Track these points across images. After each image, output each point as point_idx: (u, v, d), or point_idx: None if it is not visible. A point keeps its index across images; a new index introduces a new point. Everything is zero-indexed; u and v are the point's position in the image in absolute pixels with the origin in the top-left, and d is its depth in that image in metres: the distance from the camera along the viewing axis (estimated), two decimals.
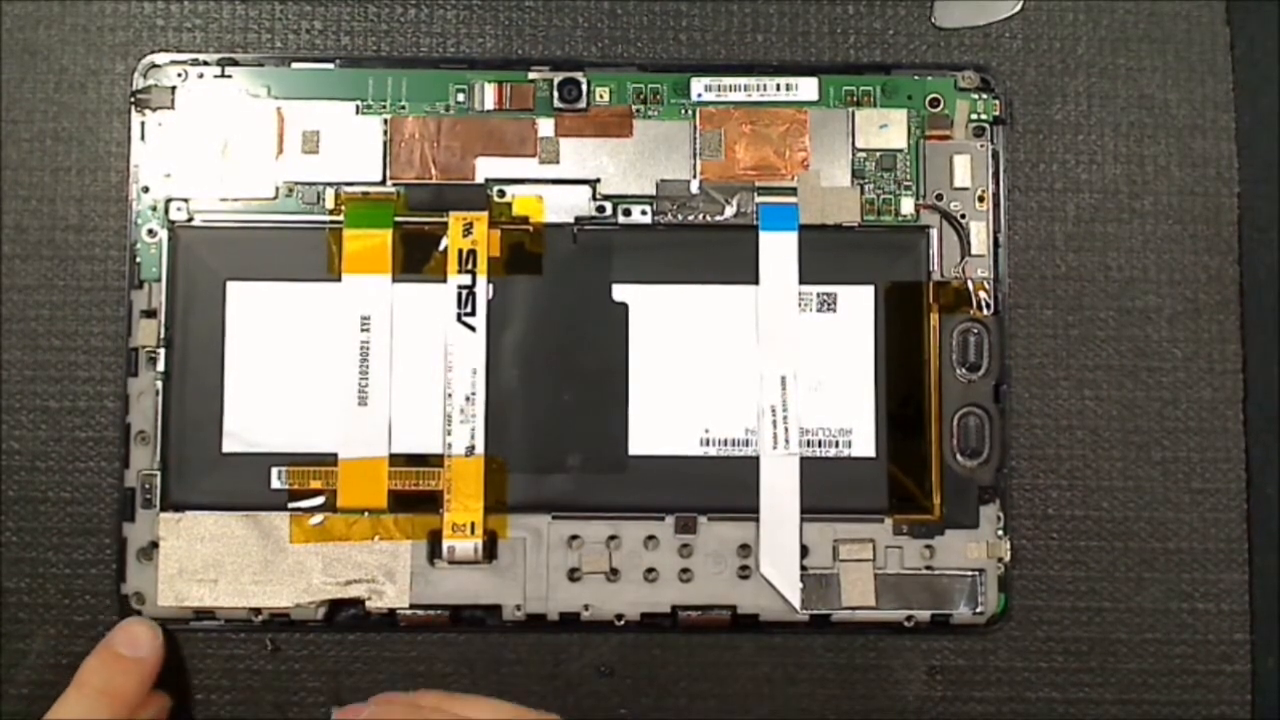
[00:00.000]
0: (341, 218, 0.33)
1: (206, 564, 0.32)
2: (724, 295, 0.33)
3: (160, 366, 0.32)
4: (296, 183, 0.33)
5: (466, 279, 0.32)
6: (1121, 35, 0.34)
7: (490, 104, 0.33)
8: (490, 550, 0.32)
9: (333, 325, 0.32)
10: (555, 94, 0.33)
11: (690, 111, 0.33)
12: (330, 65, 0.33)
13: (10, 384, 0.32)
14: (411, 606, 0.32)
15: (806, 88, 0.33)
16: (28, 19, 0.33)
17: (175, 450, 0.32)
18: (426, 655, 0.32)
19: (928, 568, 0.32)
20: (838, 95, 0.33)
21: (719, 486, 0.32)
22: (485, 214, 0.33)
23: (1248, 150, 0.34)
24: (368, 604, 0.32)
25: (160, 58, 0.33)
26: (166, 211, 0.33)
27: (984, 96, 0.33)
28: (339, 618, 0.32)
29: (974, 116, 0.33)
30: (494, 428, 0.32)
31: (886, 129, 0.33)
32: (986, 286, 0.33)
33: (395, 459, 0.32)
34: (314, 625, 0.32)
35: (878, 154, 0.33)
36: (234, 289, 0.32)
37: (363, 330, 0.32)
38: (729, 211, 0.33)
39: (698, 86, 0.33)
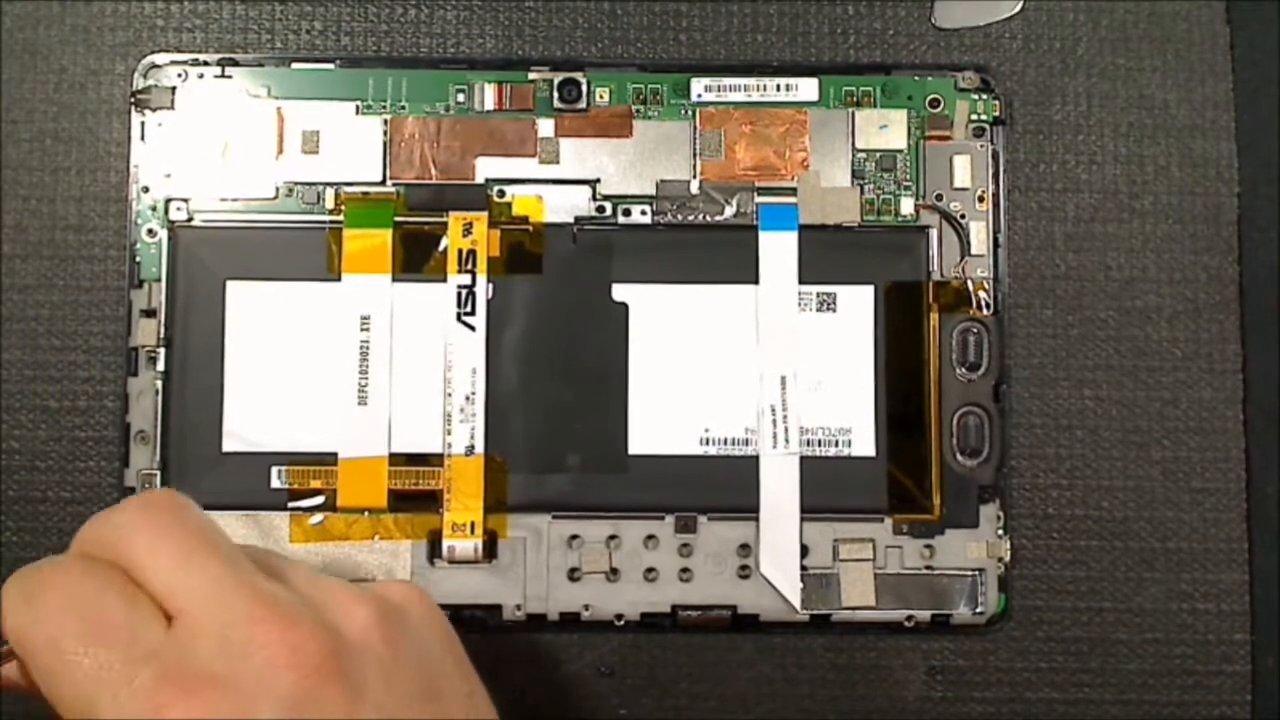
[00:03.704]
0: (341, 218, 0.33)
1: None
2: (724, 295, 0.33)
3: (160, 366, 0.32)
4: (296, 183, 0.33)
5: (466, 279, 0.32)
6: (1121, 35, 0.34)
7: (490, 104, 0.33)
8: (490, 550, 0.32)
9: (333, 325, 0.32)
10: (555, 94, 0.33)
11: (690, 112, 0.33)
12: (330, 65, 0.33)
13: (10, 384, 0.32)
14: None
15: (806, 88, 0.33)
16: (28, 19, 0.33)
17: (175, 450, 0.32)
18: None
19: (928, 568, 0.32)
20: (838, 95, 0.33)
21: (719, 486, 0.32)
22: (485, 214, 0.33)
23: (1248, 150, 0.34)
24: None
25: (160, 58, 0.33)
26: (166, 211, 0.33)
27: (984, 97, 0.33)
28: None
29: (974, 117, 0.33)
30: (494, 427, 0.32)
31: (886, 129, 0.33)
32: (986, 286, 0.33)
33: (395, 458, 0.32)
34: None
35: (878, 154, 0.33)
36: (234, 289, 0.32)
37: (363, 330, 0.32)
38: (729, 211, 0.33)
39: (698, 87, 0.33)
